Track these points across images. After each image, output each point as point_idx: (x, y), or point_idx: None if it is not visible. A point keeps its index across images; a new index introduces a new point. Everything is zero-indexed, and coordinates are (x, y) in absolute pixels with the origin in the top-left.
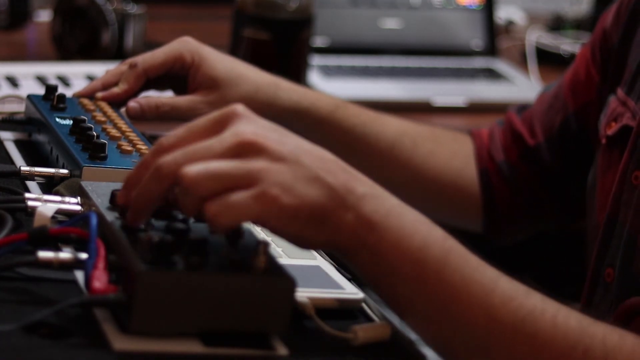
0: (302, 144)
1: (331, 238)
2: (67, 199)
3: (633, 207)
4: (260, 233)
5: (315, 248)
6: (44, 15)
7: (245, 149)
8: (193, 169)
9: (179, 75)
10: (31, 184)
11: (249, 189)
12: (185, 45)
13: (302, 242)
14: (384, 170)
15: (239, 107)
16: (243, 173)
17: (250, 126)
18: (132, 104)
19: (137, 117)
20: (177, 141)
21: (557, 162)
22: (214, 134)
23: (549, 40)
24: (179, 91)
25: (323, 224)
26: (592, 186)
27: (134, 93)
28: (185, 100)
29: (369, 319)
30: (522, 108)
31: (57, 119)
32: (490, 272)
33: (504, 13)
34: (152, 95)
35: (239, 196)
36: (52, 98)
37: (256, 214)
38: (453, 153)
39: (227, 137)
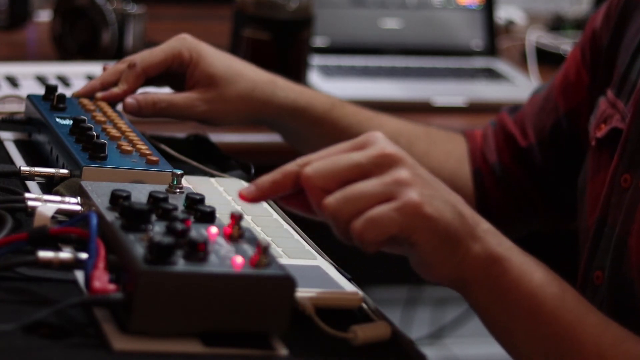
0: (432, 175)
1: (458, 267)
2: (67, 199)
3: (623, 210)
4: (261, 233)
5: (441, 278)
6: (44, 15)
7: (386, 160)
8: (331, 199)
9: (177, 73)
10: (31, 184)
11: (390, 202)
12: (184, 42)
13: (431, 267)
14: None
15: (379, 133)
16: (382, 187)
17: (392, 146)
18: (129, 100)
19: (134, 114)
20: (319, 155)
21: (548, 163)
22: (356, 151)
23: (549, 40)
24: (176, 88)
25: (454, 249)
26: (582, 188)
27: (133, 93)
28: (182, 97)
29: (369, 319)
30: (515, 109)
31: (57, 119)
32: (601, 315)
33: (504, 13)
34: (150, 92)
35: (380, 209)
36: (52, 98)
37: (400, 224)
38: (447, 153)
39: (369, 150)
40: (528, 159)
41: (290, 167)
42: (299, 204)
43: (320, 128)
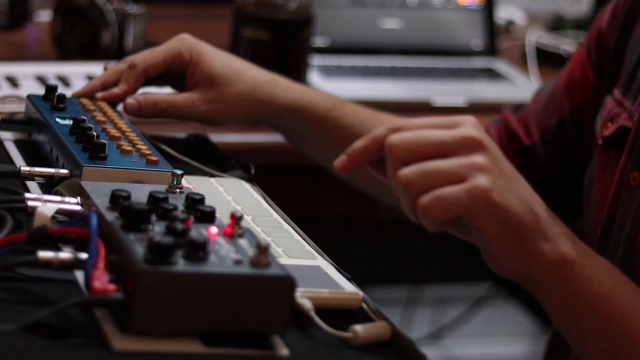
0: (516, 172)
1: (524, 263)
2: (67, 199)
3: (633, 208)
4: (261, 233)
5: (506, 271)
6: (44, 15)
7: (470, 143)
8: (407, 171)
9: (177, 73)
10: (31, 184)
11: (461, 183)
12: (184, 42)
13: (497, 257)
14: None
15: (473, 118)
16: (457, 168)
17: (481, 132)
18: (129, 100)
19: (135, 114)
20: (410, 123)
21: (552, 161)
22: (445, 129)
23: (549, 40)
24: (177, 87)
25: (521, 244)
26: (589, 186)
27: (133, 93)
28: (183, 97)
29: (369, 319)
30: (518, 107)
31: (57, 119)
32: None
33: (504, 13)
34: (150, 92)
35: (449, 189)
36: (52, 98)
37: (465, 205)
38: None
39: (458, 130)
40: (531, 157)
41: (380, 131)
42: (385, 171)
43: (321, 127)
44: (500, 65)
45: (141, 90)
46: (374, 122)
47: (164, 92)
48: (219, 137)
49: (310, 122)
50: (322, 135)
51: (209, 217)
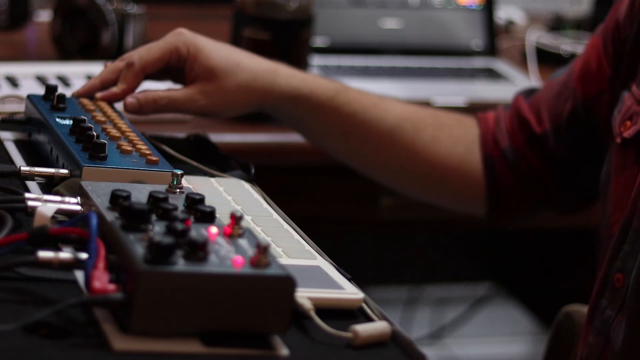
0: None
1: None
2: (67, 199)
3: None
4: (260, 233)
5: None
6: (44, 15)
7: None
8: None
9: (176, 68)
10: (31, 184)
11: None
12: (180, 37)
13: None
14: (385, 155)
15: None
16: None
17: None
18: (130, 99)
19: (136, 112)
20: None
21: (563, 150)
22: None
23: (549, 40)
24: (178, 81)
25: None
26: (605, 184)
27: (133, 92)
28: (183, 92)
29: (369, 319)
30: (530, 92)
31: (57, 119)
32: None
33: (504, 13)
34: (150, 89)
35: None
36: (52, 98)
37: None
38: (456, 138)
39: None
40: (542, 145)
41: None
42: None
43: (323, 115)
44: (500, 65)
45: (140, 87)
46: (379, 108)
47: (163, 87)
48: (219, 137)
49: (312, 110)
50: (325, 123)
51: (209, 217)
